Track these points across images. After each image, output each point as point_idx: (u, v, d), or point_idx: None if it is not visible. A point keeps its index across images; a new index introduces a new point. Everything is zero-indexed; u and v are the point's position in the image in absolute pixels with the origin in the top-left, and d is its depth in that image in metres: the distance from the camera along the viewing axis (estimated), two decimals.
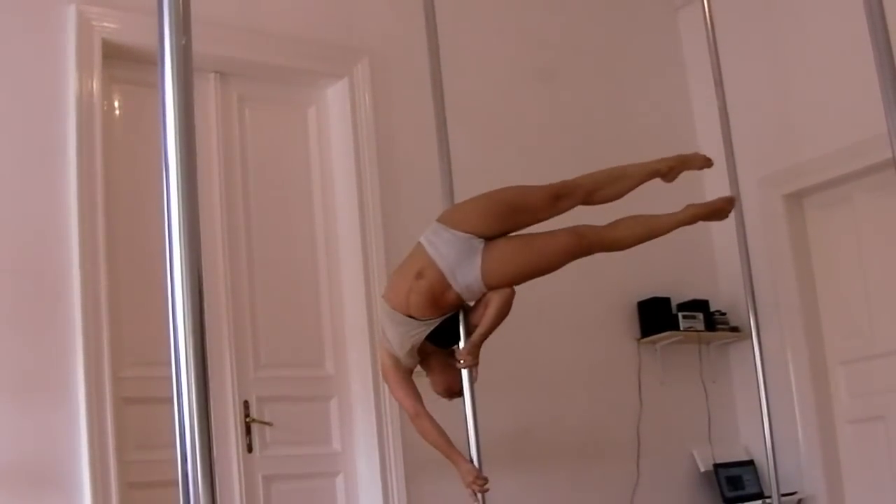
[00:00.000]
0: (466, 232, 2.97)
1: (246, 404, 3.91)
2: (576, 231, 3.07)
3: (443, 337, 3.06)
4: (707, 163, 3.38)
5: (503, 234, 3.03)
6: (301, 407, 4.06)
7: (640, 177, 3.23)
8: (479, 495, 3.05)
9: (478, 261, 2.95)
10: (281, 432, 3.96)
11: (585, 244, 3.08)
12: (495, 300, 3.01)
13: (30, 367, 3.37)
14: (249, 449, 3.88)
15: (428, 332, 3.02)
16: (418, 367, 3.16)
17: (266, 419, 3.94)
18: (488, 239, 2.99)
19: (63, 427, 3.37)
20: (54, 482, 3.33)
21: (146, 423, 3.58)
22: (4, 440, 3.28)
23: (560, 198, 3.08)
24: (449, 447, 3.09)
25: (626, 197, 3.23)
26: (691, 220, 3.29)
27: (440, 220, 3.05)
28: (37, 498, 3.30)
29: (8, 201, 3.45)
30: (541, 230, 3.09)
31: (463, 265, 2.95)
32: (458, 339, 3.06)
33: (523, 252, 3.02)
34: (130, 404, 3.61)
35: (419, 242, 3.02)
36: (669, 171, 3.29)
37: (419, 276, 2.96)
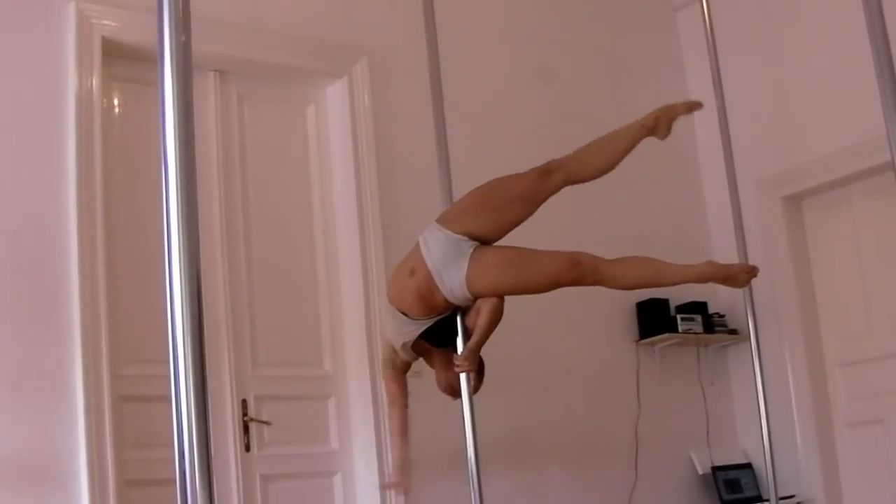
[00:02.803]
0: (457, 233, 2.92)
1: (244, 403, 3.91)
2: (573, 257, 2.95)
3: (439, 336, 3.06)
4: (694, 105, 3.16)
5: (497, 228, 2.95)
6: (299, 406, 4.06)
7: (629, 138, 3.06)
8: (476, 488, 3.06)
9: (464, 266, 2.90)
10: (279, 431, 3.96)
11: (579, 272, 2.94)
12: (484, 309, 2.97)
13: (28, 365, 3.36)
14: (247, 448, 3.88)
15: (420, 331, 3.01)
16: (414, 368, 3.17)
17: (264, 418, 3.94)
18: (483, 242, 2.94)
19: (61, 424, 3.36)
20: (52, 479, 3.33)
21: (144, 421, 3.58)
22: (2, 437, 3.27)
23: (548, 173, 2.96)
24: (398, 442, 3.15)
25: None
26: (702, 279, 3.14)
27: (438, 219, 3.03)
28: (35, 495, 3.30)
29: (7, 199, 3.45)
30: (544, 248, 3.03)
31: (449, 267, 2.91)
32: (455, 340, 3.06)
33: (511, 266, 2.94)
34: (128, 402, 3.60)
35: (418, 241, 3.00)
36: (656, 123, 3.09)
37: (411, 273, 2.94)
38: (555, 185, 2.99)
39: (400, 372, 3.12)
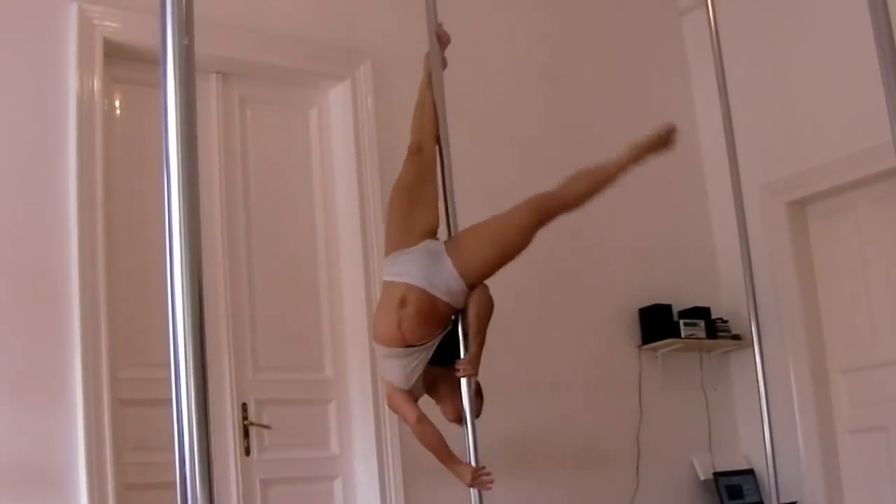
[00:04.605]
0: (419, 242, 2.98)
1: (244, 407, 3.89)
2: (534, 204, 3.06)
3: (445, 355, 3.04)
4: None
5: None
6: (299, 410, 4.05)
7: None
8: (476, 492, 3.02)
9: (446, 260, 2.94)
10: (279, 435, 3.95)
11: (547, 214, 3.07)
12: (472, 304, 2.99)
13: (27, 368, 3.35)
14: (247, 452, 3.86)
15: (430, 354, 2.99)
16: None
17: (264, 422, 3.92)
18: (469, 279, 2.98)
19: (60, 428, 3.35)
20: (51, 483, 3.31)
21: (144, 425, 3.57)
22: (1, 441, 3.26)
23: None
24: (447, 453, 3.07)
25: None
26: (636, 158, 3.23)
27: (388, 252, 3.07)
28: (33, 499, 3.28)
29: (7, 200, 3.43)
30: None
31: (435, 272, 2.93)
32: (460, 352, 3.05)
33: (491, 239, 3.01)
34: (128, 406, 3.59)
35: (385, 282, 3.03)
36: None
37: (402, 303, 2.93)
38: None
39: (410, 395, 3.08)
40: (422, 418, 3.03)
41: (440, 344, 3.00)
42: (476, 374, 3.03)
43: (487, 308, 3.02)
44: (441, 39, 3.24)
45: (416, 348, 2.96)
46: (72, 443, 3.35)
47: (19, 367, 3.34)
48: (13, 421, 3.29)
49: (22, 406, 3.31)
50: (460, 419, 3.05)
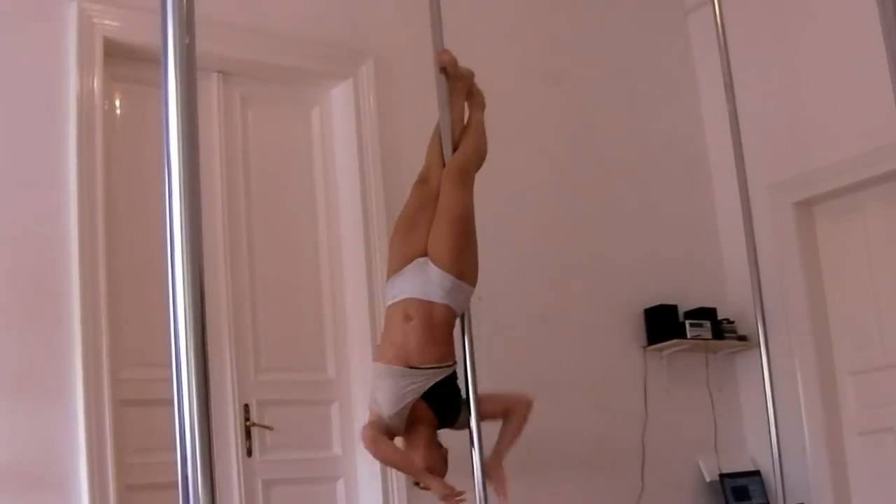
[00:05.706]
0: (407, 263, 3.07)
1: (246, 408, 3.88)
2: (455, 175, 3.12)
3: (443, 406, 3.05)
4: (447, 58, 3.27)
5: (422, 230, 3.11)
6: (302, 411, 4.04)
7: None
8: (481, 494, 3.03)
9: (431, 266, 3.05)
10: (281, 436, 3.93)
11: (467, 173, 3.15)
12: (516, 415, 3.18)
13: (28, 368, 3.34)
14: (249, 453, 3.85)
15: (426, 387, 3.01)
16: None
17: (266, 423, 3.91)
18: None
19: (61, 429, 3.34)
20: (52, 484, 3.31)
21: (145, 426, 3.56)
22: (2, 442, 3.25)
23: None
24: (415, 467, 3.07)
25: None
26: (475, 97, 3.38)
27: (388, 280, 3.18)
28: (34, 500, 3.28)
29: (7, 200, 3.42)
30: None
31: (426, 280, 3.04)
32: (458, 413, 3.08)
33: (448, 225, 3.08)
34: (129, 406, 3.58)
35: (387, 307, 3.14)
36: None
37: (407, 318, 3.04)
38: (435, 185, 3.18)
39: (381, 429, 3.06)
40: (376, 439, 3.02)
41: (442, 393, 3.02)
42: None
43: (522, 424, 3.23)
44: (447, 64, 3.23)
45: (418, 371, 2.98)
46: (73, 443, 3.34)
47: (20, 367, 3.33)
48: (14, 422, 3.28)
49: (23, 407, 3.30)
50: (429, 473, 3.05)
